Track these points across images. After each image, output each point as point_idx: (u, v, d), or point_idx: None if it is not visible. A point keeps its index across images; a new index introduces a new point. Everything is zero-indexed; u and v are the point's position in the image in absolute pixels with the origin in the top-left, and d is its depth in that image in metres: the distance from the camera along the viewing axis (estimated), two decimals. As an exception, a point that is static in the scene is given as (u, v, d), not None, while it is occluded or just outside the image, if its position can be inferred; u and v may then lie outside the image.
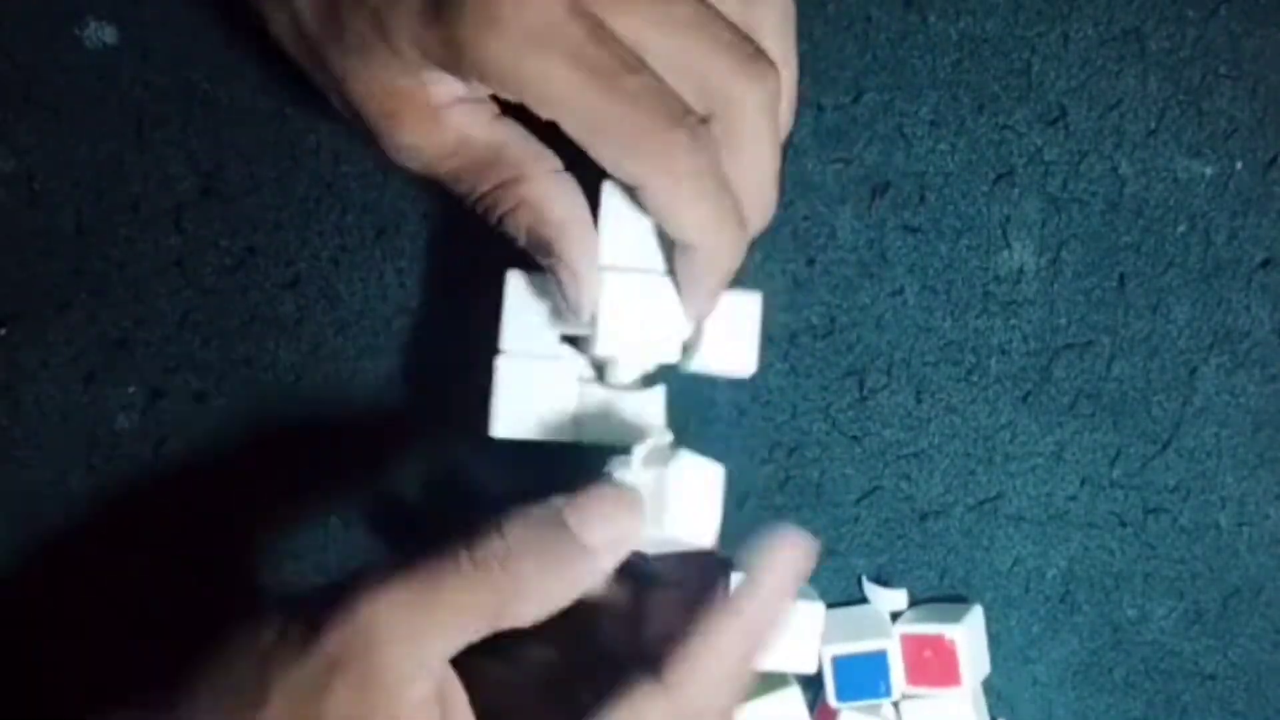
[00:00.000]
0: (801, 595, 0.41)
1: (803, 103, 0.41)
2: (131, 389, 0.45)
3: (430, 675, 0.34)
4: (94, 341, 0.45)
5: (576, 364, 0.40)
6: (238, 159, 0.45)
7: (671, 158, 0.36)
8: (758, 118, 0.37)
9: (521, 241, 0.38)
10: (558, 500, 0.35)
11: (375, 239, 0.46)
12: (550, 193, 0.38)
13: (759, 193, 0.38)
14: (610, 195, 0.38)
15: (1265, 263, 0.48)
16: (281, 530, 0.46)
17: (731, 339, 0.40)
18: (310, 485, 0.46)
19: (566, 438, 0.40)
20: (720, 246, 0.37)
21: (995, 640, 0.49)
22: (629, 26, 0.35)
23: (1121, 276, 0.48)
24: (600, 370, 0.41)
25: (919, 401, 0.48)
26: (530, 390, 0.39)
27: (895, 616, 0.48)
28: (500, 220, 0.38)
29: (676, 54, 0.36)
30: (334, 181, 0.45)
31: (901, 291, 0.47)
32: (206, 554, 0.45)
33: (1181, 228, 0.48)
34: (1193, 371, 0.48)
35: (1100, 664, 0.49)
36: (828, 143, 0.46)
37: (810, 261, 0.47)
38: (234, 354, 0.45)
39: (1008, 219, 0.47)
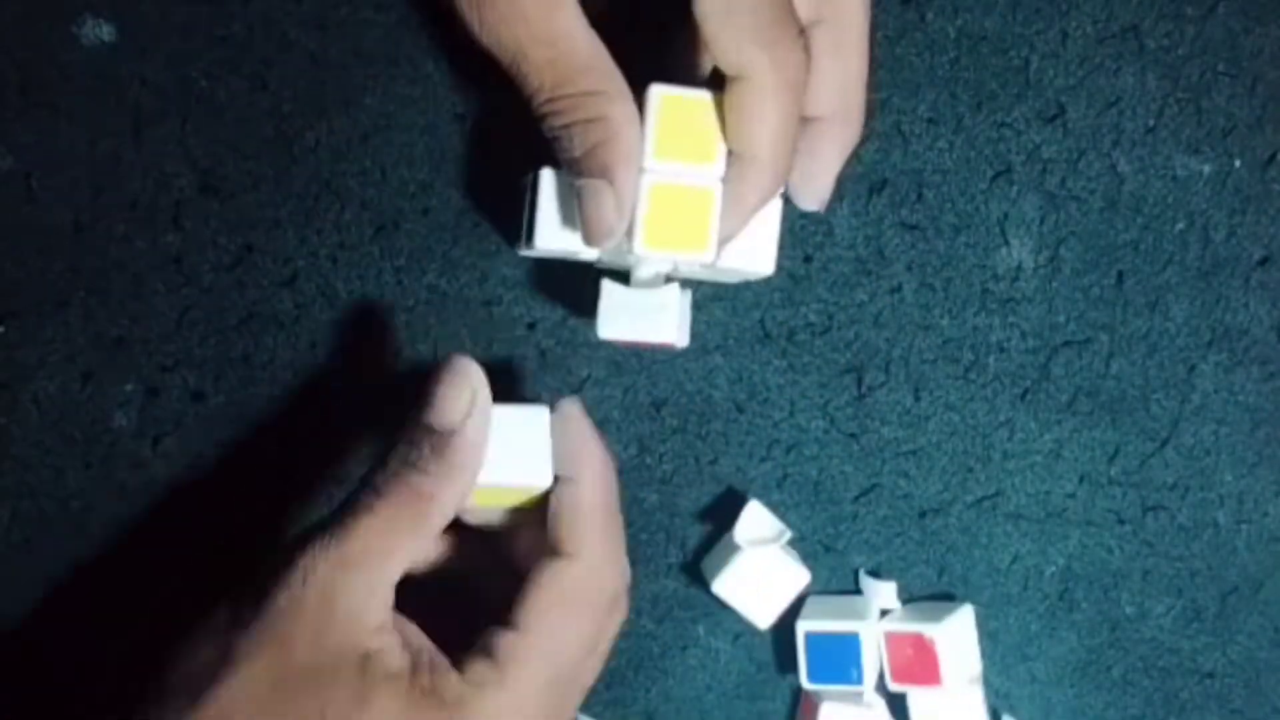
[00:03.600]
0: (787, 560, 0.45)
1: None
2: (129, 387, 0.45)
3: (383, 604, 0.37)
4: (92, 339, 0.45)
5: None
6: (235, 157, 0.45)
7: (786, 59, 0.37)
8: (864, 21, 0.40)
9: (575, 153, 0.39)
10: (412, 412, 0.38)
11: (373, 237, 0.46)
12: (630, 119, 0.38)
13: (859, 95, 0.41)
14: (656, 96, 0.39)
15: (1264, 260, 0.48)
16: (279, 527, 0.46)
17: (753, 239, 0.41)
18: (308, 483, 0.46)
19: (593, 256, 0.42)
20: (781, 161, 0.39)
21: (993, 638, 0.49)
22: None
23: (1120, 274, 0.48)
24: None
25: (917, 399, 0.48)
26: (570, 212, 0.40)
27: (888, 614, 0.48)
28: (565, 127, 0.39)
29: None
30: (332, 179, 0.45)
31: (899, 289, 0.47)
32: (204, 550, 0.45)
33: (1180, 225, 0.48)
34: (1191, 369, 0.48)
35: (1099, 661, 0.49)
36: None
37: (808, 259, 0.47)
38: (232, 352, 0.45)
39: (1006, 216, 0.47)
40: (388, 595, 0.37)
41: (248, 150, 0.45)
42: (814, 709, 0.47)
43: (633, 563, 0.46)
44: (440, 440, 0.38)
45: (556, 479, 0.39)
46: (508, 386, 0.46)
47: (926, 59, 0.47)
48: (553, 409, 0.40)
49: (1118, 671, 0.49)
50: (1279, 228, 0.48)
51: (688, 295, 0.43)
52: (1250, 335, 0.48)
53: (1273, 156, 0.48)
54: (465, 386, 0.38)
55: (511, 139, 0.44)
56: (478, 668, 0.37)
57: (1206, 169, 0.47)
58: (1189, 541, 0.49)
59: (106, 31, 0.44)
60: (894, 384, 0.48)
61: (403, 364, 0.46)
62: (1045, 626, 0.49)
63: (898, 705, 0.48)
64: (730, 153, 0.39)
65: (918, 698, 0.47)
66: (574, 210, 0.40)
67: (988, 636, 0.49)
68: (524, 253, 0.43)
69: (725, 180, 0.39)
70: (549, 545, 0.39)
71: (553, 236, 0.40)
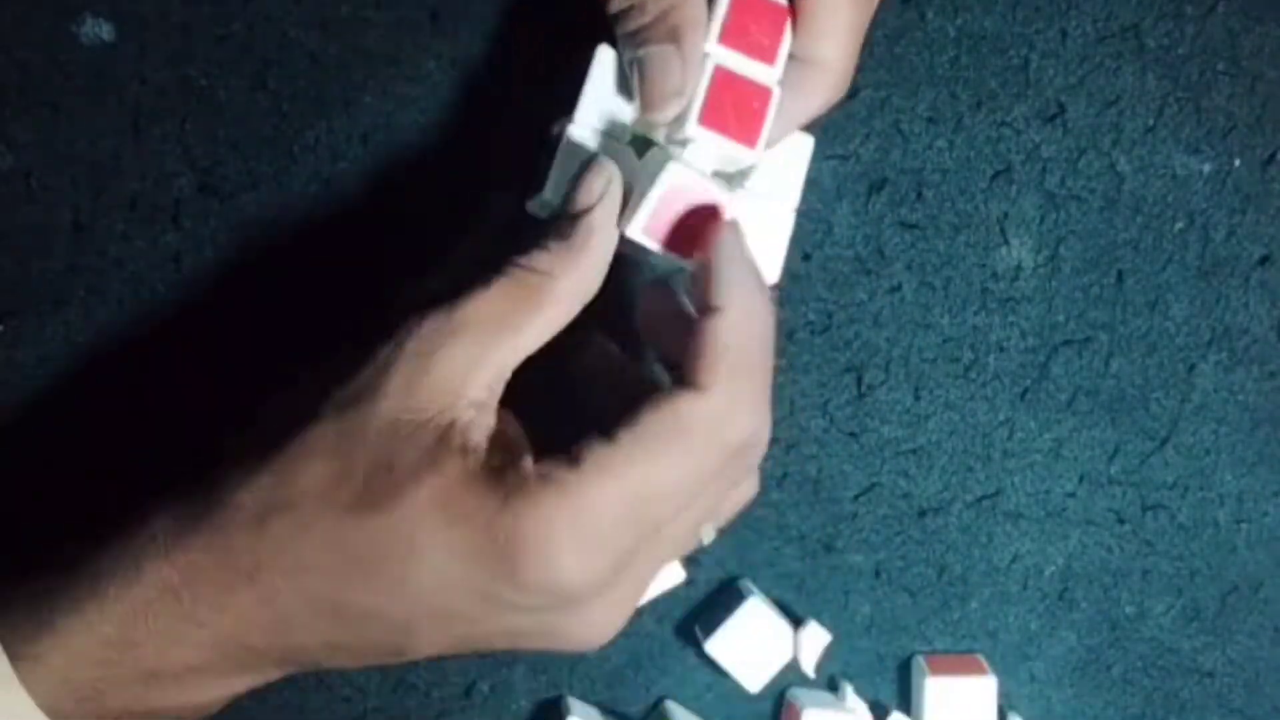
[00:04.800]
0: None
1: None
2: (129, 386, 0.45)
3: (484, 380, 0.36)
4: (91, 338, 0.45)
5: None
6: (235, 156, 0.45)
7: None
8: None
9: (646, 18, 0.38)
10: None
11: (373, 236, 0.45)
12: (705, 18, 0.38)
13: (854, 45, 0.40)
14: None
15: (1263, 260, 0.48)
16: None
17: (762, 246, 0.40)
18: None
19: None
20: (846, 72, 0.39)
21: (993, 637, 0.49)
22: None
23: (1120, 273, 0.48)
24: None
25: (917, 398, 0.48)
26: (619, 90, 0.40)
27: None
28: (655, 16, 0.38)
29: None
30: (331, 178, 0.45)
31: (899, 288, 0.47)
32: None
33: (1180, 225, 0.48)
34: (1191, 368, 0.48)
35: (1098, 661, 0.49)
36: (825, 139, 0.46)
37: (807, 257, 0.47)
38: (231, 351, 0.45)
39: (1006, 216, 0.47)
40: (490, 373, 0.36)
41: (248, 150, 0.45)
42: (796, 715, 0.47)
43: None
44: (567, 222, 0.37)
45: (707, 297, 0.37)
46: (510, 383, 0.46)
47: (926, 58, 0.47)
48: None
49: (1117, 671, 0.49)
50: (1279, 227, 0.48)
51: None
52: (1250, 335, 0.48)
53: (1272, 156, 0.48)
54: (602, 176, 0.37)
55: (512, 138, 0.44)
56: (554, 465, 0.35)
57: (1206, 168, 0.47)
58: (1189, 541, 0.49)
59: (106, 31, 0.44)
60: (894, 383, 0.48)
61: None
62: (1045, 626, 0.49)
63: (881, 711, 0.49)
64: (794, 58, 0.39)
65: (931, 689, 0.47)
66: (625, 87, 0.39)
67: (988, 636, 0.49)
68: (541, 199, 0.41)
69: (785, 84, 0.39)
70: (680, 371, 0.37)
71: (596, 114, 0.39)
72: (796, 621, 0.48)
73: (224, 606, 0.36)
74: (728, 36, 0.39)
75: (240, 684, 0.38)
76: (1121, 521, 0.49)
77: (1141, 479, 0.48)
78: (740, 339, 0.36)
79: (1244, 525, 0.49)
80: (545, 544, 0.35)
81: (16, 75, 0.44)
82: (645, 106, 0.38)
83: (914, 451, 0.48)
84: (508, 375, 0.37)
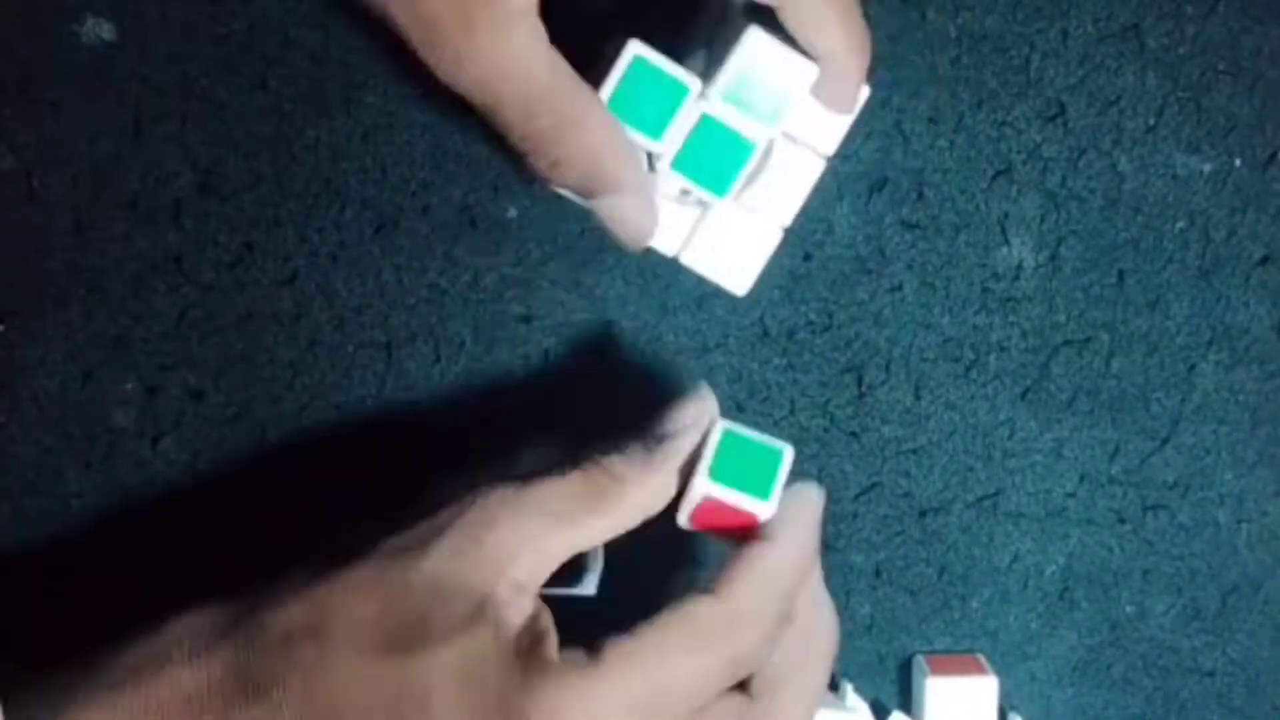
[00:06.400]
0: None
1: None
2: (129, 386, 0.45)
3: (528, 565, 0.37)
4: (91, 338, 0.45)
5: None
6: (236, 155, 0.45)
7: None
8: None
9: (569, 183, 0.39)
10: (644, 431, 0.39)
11: (373, 236, 0.45)
12: (609, 141, 0.38)
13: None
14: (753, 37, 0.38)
15: (1264, 259, 0.48)
16: (279, 527, 0.46)
17: (739, 257, 0.42)
18: (309, 481, 0.46)
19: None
20: (862, 47, 0.39)
21: (993, 637, 0.49)
22: None
23: (1120, 273, 0.48)
24: None
25: (918, 398, 0.48)
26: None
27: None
28: (553, 164, 0.38)
29: None
30: (332, 178, 0.45)
31: (900, 288, 0.47)
32: (204, 550, 0.45)
33: (1180, 224, 0.48)
34: (1191, 368, 0.48)
35: (1099, 661, 0.49)
36: (826, 139, 0.46)
37: (807, 257, 0.47)
38: (231, 351, 0.45)
39: (1006, 215, 0.47)
40: (538, 559, 0.37)
41: (248, 149, 0.45)
42: None
43: (632, 561, 0.46)
44: (653, 438, 0.38)
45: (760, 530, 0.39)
46: (508, 385, 0.46)
47: (927, 57, 0.47)
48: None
49: (1118, 670, 0.49)
50: (1279, 227, 0.48)
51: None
52: (1250, 334, 0.48)
53: (1273, 156, 0.48)
54: (698, 405, 0.39)
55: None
56: (575, 653, 0.36)
57: (1207, 168, 0.47)
58: (1189, 540, 0.49)
59: (106, 31, 0.44)
60: (894, 383, 0.47)
61: (403, 364, 0.46)
62: (1045, 625, 0.49)
63: (881, 710, 0.49)
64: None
65: (932, 689, 0.47)
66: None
67: (988, 636, 0.49)
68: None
69: (820, 82, 0.39)
70: (706, 581, 0.38)
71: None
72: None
73: (230, 717, 0.36)
74: (730, 94, 0.39)
75: None
76: (1122, 521, 0.49)
77: (1142, 479, 0.48)
78: (773, 564, 0.38)
79: (1244, 525, 0.49)
80: None
81: (17, 75, 0.44)
82: (628, 246, 0.40)
83: (914, 451, 0.48)
84: (555, 566, 0.37)
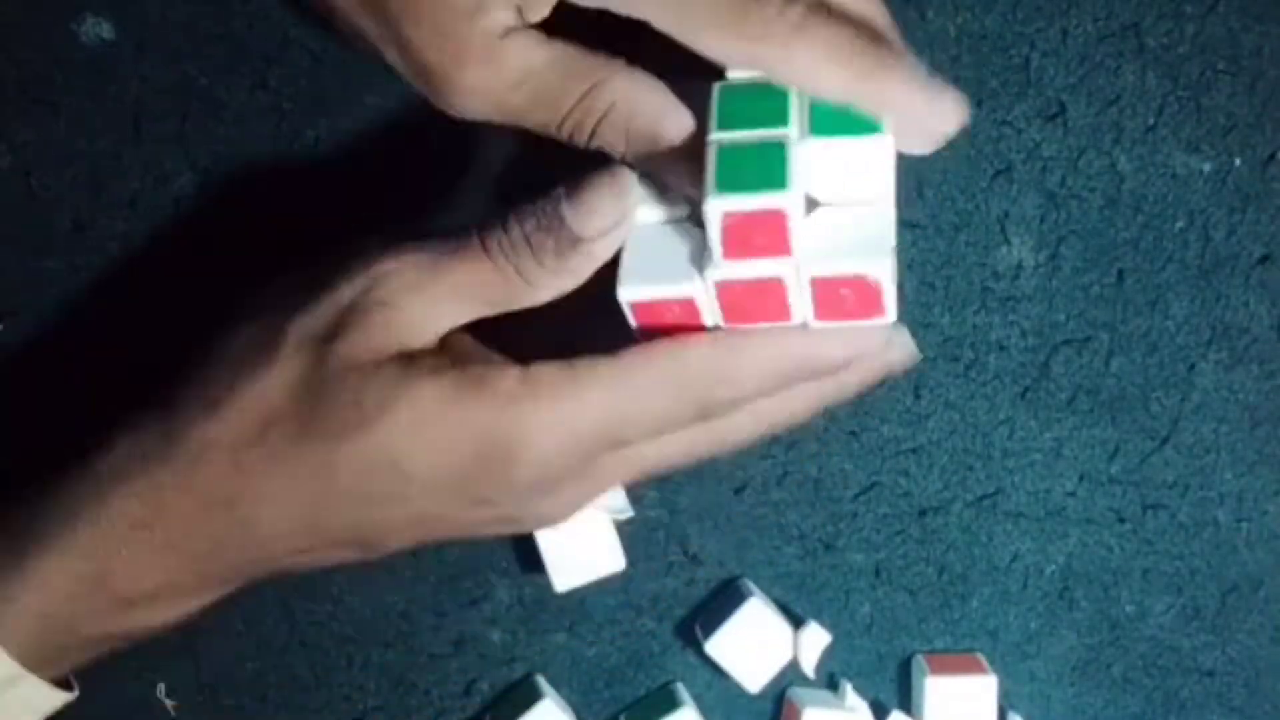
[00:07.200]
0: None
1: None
2: (129, 385, 0.45)
3: (435, 334, 0.37)
4: (91, 338, 0.45)
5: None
6: (235, 155, 0.45)
7: (778, 33, 0.35)
8: None
9: (622, 146, 0.37)
10: (559, 191, 0.36)
11: (373, 235, 0.45)
12: (637, 84, 0.37)
13: (885, 18, 0.37)
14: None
15: (1264, 259, 0.48)
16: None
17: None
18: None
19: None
20: (880, 73, 0.35)
21: (993, 636, 0.49)
22: None
23: (1120, 272, 0.48)
24: None
25: (917, 397, 0.48)
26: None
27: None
28: (595, 132, 0.37)
29: None
30: (332, 178, 0.45)
31: (899, 287, 0.47)
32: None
33: (1180, 224, 0.48)
34: (1191, 368, 0.48)
35: (1098, 660, 0.49)
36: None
37: (808, 257, 0.47)
38: (232, 350, 0.45)
39: (1006, 215, 0.47)
40: (441, 326, 0.37)
41: (248, 149, 0.45)
42: (796, 714, 0.47)
43: (632, 562, 0.46)
44: (568, 242, 0.36)
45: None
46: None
47: (927, 57, 0.46)
48: None
49: (1118, 670, 0.49)
50: (1279, 226, 0.48)
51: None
52: (1250, 334, 0.48)
53: (1273, 155, 0.48)
54: (619, 204, 0.36)
55: (512, 138, 0.44)
56: (546, 368, 0.36)
57: (1207, 167, 0.47)
58: (1189, 540, 0.49)
59: (106, 30, 0.44)
60: (894, 382, 0.48)
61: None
62: (1045, 625, 0.49)
63: (881, 710, 0.49)
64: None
65: (931, 688, 0.47)
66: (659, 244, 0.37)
67: (988, 635, 0.49)
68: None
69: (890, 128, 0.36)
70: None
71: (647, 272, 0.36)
72: (796, 621, 0.48)
73: (197, 533, 0.37)
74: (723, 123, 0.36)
75: (210, 596, 0.39)
76: (1122, 520, 0.49)
77: (1141, 478, 0.48)
78: (801, 354, 0.36)
79: (1244, 525, 0.49)
80: (538, 446, 0.36)
81: (17, 74, 0.44)
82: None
83: (914, 451, 0.48)
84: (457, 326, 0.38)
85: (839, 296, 0.35)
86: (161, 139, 0.45)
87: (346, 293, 0.37)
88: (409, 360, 0.36)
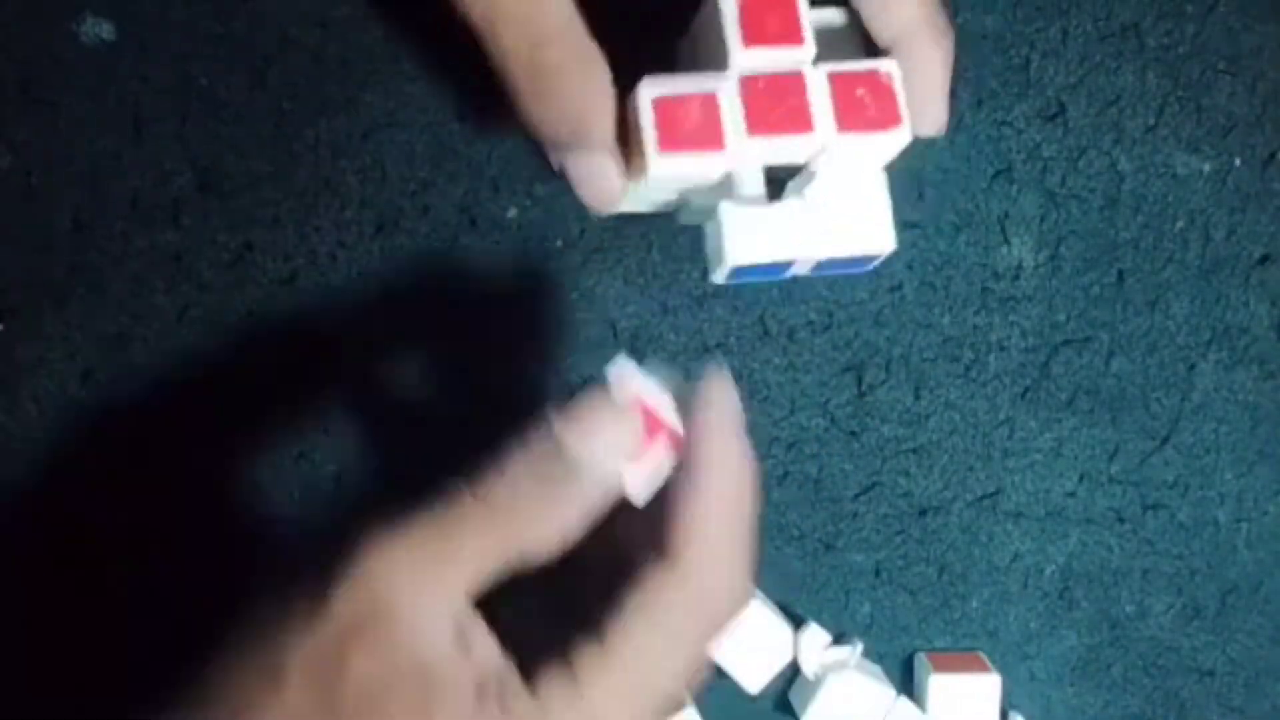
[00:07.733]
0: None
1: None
2: (129, 385, 0.45)
3: (449, 624, 0.34)
4: (91, 337, 0.45)
5: None
6: (235, 155, 0.45)
7: None
8: None
9: (555, 127, 0.37)
10: (551, 418, 0.35)
11: (374, 235, 0.45)
12: (602, 95, 0.37)
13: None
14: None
15: (1264, 259, 0.48)
16: (279, 523, 0.46)
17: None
18: (308, 481, 0.46)
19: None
20: (940, 24, 0.38)
21: (993, 636, 0.49)
22: None
23: (1120, 273, 0.48)
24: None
25: (917, 397, 0.48)
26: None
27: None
28: (545, 103, 0.37)
29: None
30: (332, 177, 0.45)
31: (900, 287, 0.47)
32: (206, 549, 0.45)
33: (1180, 224, 0.48)
34: (1191, 368, 0.48)
35: (1098, 660, 0.49)
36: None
37: (809, 257, 0.47)
38: (231, 350, 0.45)
39: (1006, 215, 0.47)
40: (459, 607, 0.34)
41: (247, 148, 0.45)
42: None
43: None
44: (565, 471, 0.35)
45: (685, 461, 0.35)
46: (507, 384, 0.46)
47: (927, 57, 0.47)
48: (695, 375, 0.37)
49: (1117, 670, 0.49)
50: (1279, 226, 0.48)
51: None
52: (1250, 333, 0.48)
53: (1273, 155, 0.48)
54: (622, 430, 0.35)
55: (513, 138, 0.44)
56: (553, 687, 0.34)
57: (1207, 167, 0.47)
58: (1189, 540, 0.49)
59: (106, 30, 0.44)
60: (894, 382, 0.48)
61: (403, 364, 0.46)
62: (1045, 625, 0.49)
63: (906, 676, 0.49)
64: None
65: (935, 686, 0.47)
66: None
67: (988, 635, 0.49)
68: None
69: (904, 74, 0.38)
70: (660, 543, 0.35)
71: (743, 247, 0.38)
72: (797, 622, 0.48)
73: None
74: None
75: None
76: (1121, 520, 0.49)
77: (1141, 478, 0.48)
78: (718, 505, 0.35)
79: (1244, 524, 0.49)
80: None
81: (17, 74, 0.44)
82: (597, 205, 0.38)
83: (914, 451, 0.48)
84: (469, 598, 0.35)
85: (856, 99, 0.37)
86: (161, 139, 0.45)
87: (343, 605, 0.34)
88: (428, 673, 0.34)
